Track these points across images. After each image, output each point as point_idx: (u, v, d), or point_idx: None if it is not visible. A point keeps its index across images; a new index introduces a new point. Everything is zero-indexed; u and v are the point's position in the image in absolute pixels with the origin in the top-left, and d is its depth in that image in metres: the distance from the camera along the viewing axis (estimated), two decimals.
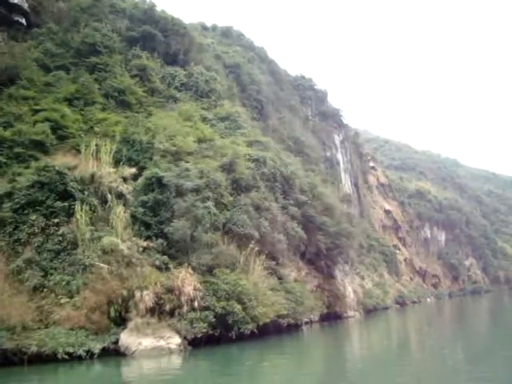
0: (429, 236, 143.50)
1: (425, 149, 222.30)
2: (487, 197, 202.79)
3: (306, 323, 53.39)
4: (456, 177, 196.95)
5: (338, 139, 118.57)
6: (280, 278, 44.11)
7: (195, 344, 31.63)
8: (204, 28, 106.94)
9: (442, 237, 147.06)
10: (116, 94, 50.91)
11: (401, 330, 51.52)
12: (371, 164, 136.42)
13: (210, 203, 37.69)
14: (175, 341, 29.96)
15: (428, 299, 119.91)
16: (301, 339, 40.51)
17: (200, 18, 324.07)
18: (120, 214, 33.65)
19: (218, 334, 32.77)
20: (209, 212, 36.92)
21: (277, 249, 45.11)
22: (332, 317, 58.93)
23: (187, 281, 31.55)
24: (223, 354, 31.28)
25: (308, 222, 53.73)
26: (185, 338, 30.80)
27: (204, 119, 56.18)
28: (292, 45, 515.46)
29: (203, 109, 58.42)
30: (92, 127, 44.68)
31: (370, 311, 74.14)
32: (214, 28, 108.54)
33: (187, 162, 41.50)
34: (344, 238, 56.46)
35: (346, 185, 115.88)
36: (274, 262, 44.60)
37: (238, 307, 32.59)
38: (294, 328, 45.55)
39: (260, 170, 48.33)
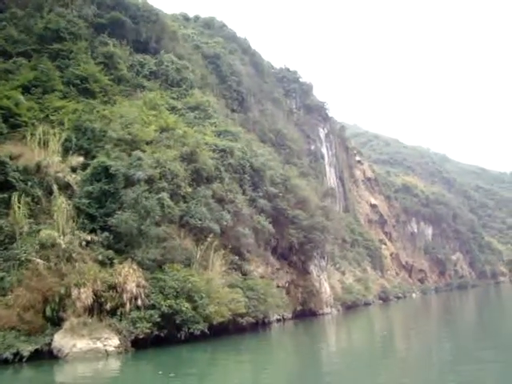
0: (415, 231, 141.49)
1: (414, 144, 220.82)
2: (475, 192, 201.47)
3: (279, 321, 51.02)
4: (444, 171, 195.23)
5: (322, 132, 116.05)
6: (244, 274, 41.53)
7: (140, 346, 28.99)
8: (186, 19, 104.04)
9: (428, 231, 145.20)
10: (78, 81, 48.00)
11: (377, 326, 48.90)
12: (357, 158, 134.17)
13: (164, 194, 34.98)
14: (113, 342, 27.26)
15: (413, 294, 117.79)
16: (263, 339, 37.82)
17: (182, 8, 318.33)
18: (62, 205, 30.85)
19: (166, 335, 30.10)
20: (162, 204, 34.19)
21: (242, 243, 42.52)
22: (307, 314, 56.55)
23: (130, 277, 28.81)
24: (169, 356, 28.61)
25: (279, 216, 51.22)
26: (126, 338, 28.07)
27: (173, 108, 53.48)
28: (279, 38, 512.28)
29: (173, 98, 55.68)
30: (48, 115, 41.93)
31: (350, 307, 71.76)
32: (196, 19, 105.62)
33: (144, 151, 38.73)
34: (318, 232, 53.89)
35: (331, 179, 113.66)
36: (239, 257, 42.08)
37: (186, 306, 29.90)
38: (262, 327, 43.19)
39: (226, 160, 45.69)
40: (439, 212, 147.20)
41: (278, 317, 51.08)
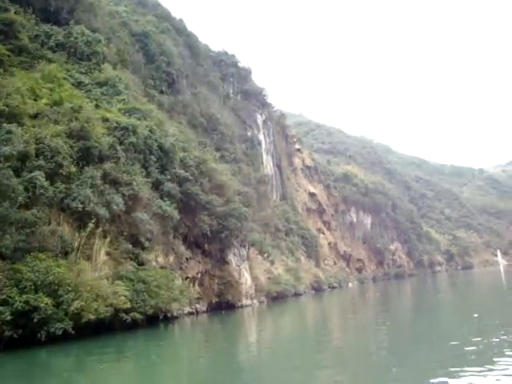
0: (354, 220, 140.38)
1: (358, 135, 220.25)
2: (416, 182, 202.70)
3: (191, 314, 47.17)
4: (386, 162, 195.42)
5: (260, 119, 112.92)
6: (141, 264, 37.17)
7: None
8: None
9: (367, 221, 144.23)
10: None
11: (299, 318, 45.39)
12: (297, 146, 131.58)
13: (38, 173, 30.09)
14: None
15: (350, 284, 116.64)
16: (156, 337, 33.34)
17: None
18: None
19: (23, 336, 25.45)
20: (34, 184, 29.36)
21: (141, 230, 38.06)
22: (224, 306, 52.86)
23: None
24: (20, 362, 23.99)
25: (190, 201, 47.10)
26: None
27: (79, 83, 48.42)
28: (223, 22, 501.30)
29: (80, 72, 50.46)
30: None
31: (276, 298, 68.54)
32: None
33: (23, 124, 33.65)
34: (234, 219, 49.98)
35: (268, 166, 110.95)
36: (135, 246, 37.68)
37: (46, 301, 25.29)
38: (165, 322, 39.07)
39: (128, 139, 41.01)
40: (378, 201, 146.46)
41: (191, 310, 47.49)
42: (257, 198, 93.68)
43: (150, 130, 45.12)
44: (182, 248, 46.33)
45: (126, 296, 30.92)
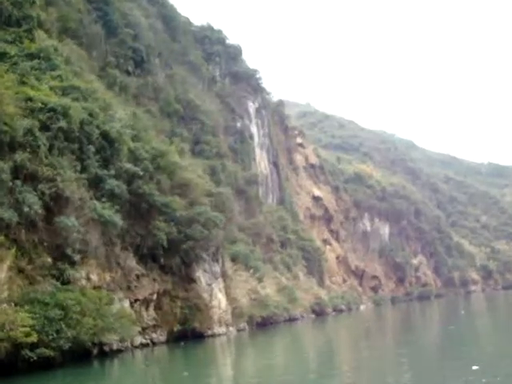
0: (368, 229, 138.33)
1: (376, 128, 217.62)
2: (445, 184, 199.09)
3: (145, 346, 43.85)
4: (409, 160, 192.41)
5: (252, 107, 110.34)
6: (66, 283, 33.76)
7: None
8: None
9: (385, 230, 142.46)
10: None
11: (284, 353, 41.90)
12: (299, 140, 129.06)
13: None
14: None
15: (362, 306, 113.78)
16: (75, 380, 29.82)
17: None
18: None
19: None
20: None
21: (67, 240, 34.68)
22: (189, 335, 49.42)
23: None
24: None
25: (142, 203, 43.89)
26: None
27: (4, 55, 45.21)
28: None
29: (6, 41, 47.22)
30: None
31: (264, 324, 65.32)
32: None
33: None
34: (200, 225, 46.71)
35: (262, 163, 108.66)
36: (59, 260, 34.35)
37: None
38: (100, 357, 35.74)
39: (56, 124, 37.70)
40: (398, 207, 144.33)
41: (145, 341, 44.18)
42: (245, 202, 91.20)
43: (90, 114, 41.84)
44: (132, 262, 43.07)
45: (31, 326, 27.41)
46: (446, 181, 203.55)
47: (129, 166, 42.86)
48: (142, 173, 43.30)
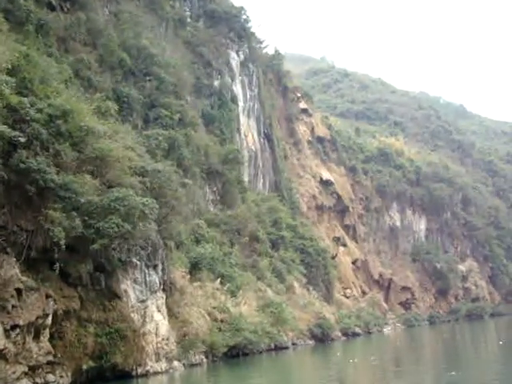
0: (397, 224, 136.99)
1: (412, 90, 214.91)
2: (506, 164, 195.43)
3: None
4: (456, 132, 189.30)
5: (236, 59, 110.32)
6: None
7: None
8: None
9: (420, 225, 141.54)
10: None
11: None
12: (303, 105, 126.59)
13: None
14: None
15: (387, 328, 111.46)
16: None
17: None
18: None
19: None
20: None
21: None
22: (109, 375, 45.04)
23: None
24: None
25: (26, 184, 39.45)
26: None
27: None
28: None
29: None
30: None
31: (235, 356, 61.86)
32: None
33: None
34: (118, 217, 42.28)
35: (250, 136, 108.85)
36: None
37: None
38: None
39: None
40: (439, 194, 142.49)
41: None
42: (221, 187, 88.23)
43: None
44: (12, 271, 38.54)
45: None
46: (509, 160, 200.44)
47: (7, 130, 38.35)
48: (24, 139, 38.85)
